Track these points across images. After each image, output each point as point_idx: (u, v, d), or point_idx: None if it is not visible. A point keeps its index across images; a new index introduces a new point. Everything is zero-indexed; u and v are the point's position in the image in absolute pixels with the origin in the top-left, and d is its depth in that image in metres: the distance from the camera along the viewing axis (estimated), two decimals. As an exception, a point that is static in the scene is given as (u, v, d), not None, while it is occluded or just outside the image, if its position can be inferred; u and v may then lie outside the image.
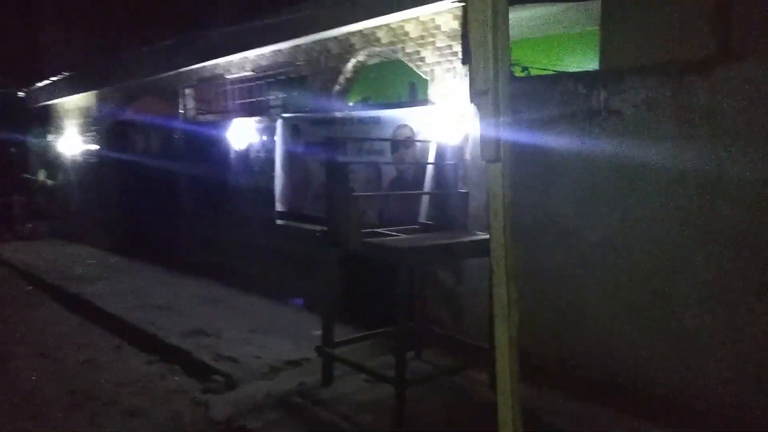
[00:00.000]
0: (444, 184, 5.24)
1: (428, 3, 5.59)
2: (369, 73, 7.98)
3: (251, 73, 8.48)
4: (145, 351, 6.26)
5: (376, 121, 6.36)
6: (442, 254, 4.65)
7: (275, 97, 8.22)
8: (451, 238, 4.68)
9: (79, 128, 13.40)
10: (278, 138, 7.68)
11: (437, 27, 5.78)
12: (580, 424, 4.28)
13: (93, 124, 12.76)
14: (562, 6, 6.51)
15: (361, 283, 6.24)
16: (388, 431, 4.22)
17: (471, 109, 5.50)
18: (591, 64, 6.98)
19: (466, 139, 5.56)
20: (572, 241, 4.88)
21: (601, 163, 4.68)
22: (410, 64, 6.14)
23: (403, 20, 6.09)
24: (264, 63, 8.18)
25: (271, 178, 7.79)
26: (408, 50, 6.11)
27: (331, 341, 4.92)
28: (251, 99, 8.72)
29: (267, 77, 8.28)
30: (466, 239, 4.70)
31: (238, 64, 8.62)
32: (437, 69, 5.82)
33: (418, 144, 5.98)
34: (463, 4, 5.50)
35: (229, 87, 9.12)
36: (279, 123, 7.65)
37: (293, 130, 7.51)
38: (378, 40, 6.44)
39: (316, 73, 7.34)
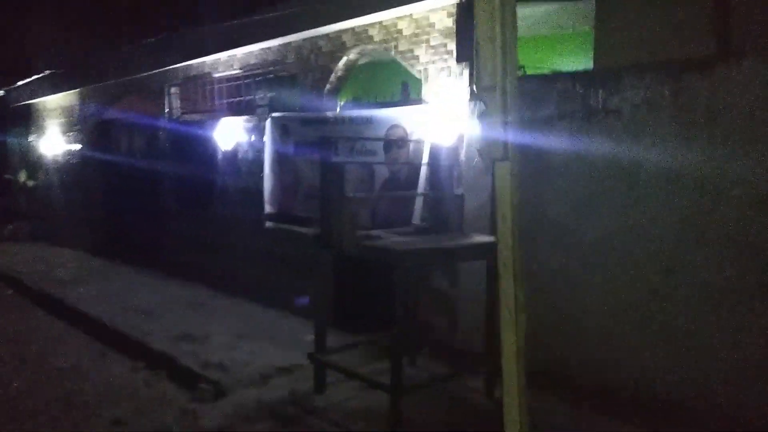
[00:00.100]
0: (439, 185, 5.11)
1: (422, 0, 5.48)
2: (361, 72, 7.85)
3: (239, 71, 8.31)
4: (130, 357, 6.07)
5: (369, 121, 6.22)
6: (439, 257, 4.54)
7: (264, 96, 8.06)
8: (448, 241, 4.56)
9: (62, 128, 13.12)
10: (267, 138, 7.50)
11: (431, 25, 5.66)
12: (577, 429, 4.19)
13: (76, 123, 12.50)
14: (554, 6, 6.44)
15: (354, 286, 6.10)
16: (383, 440, 4.10)
17: (466, 108, 5.39)
18: (582, 64, 6.92)
19: (461, 139, 5.45)
20: (570, 242, 4.78)
21: (600, 163, 4.59)
22: (403, 63, 6.02)
23: (396, 18, 5.96)
24: (252, 61, 8.02)
25: (260, 178, 7.62)
26: (401, 48, 5.98)
27: (323, 347, 4.78)
28: (239, 98, 8.54)
29: (255, 76, 8.12)
30: (463, 242, 4.59)
31: (226, 62, 8.44)
32: (431, 68, 5.70)
33: (411, 144, 5.85)
34: (457, 1, 5.40)
35: (216, 86, 8.93)
36: (268, 122, 7.47)
37: (283, 129, 7.34)
38: (370, 38, 6.31)
39: (307, 72, 7.19)
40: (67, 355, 6.19)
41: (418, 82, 6.02)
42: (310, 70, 7.14)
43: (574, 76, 4.83)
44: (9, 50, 15.20)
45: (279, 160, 7.43)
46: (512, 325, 2.47)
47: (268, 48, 7.70)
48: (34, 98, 13.91)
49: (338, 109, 6.92)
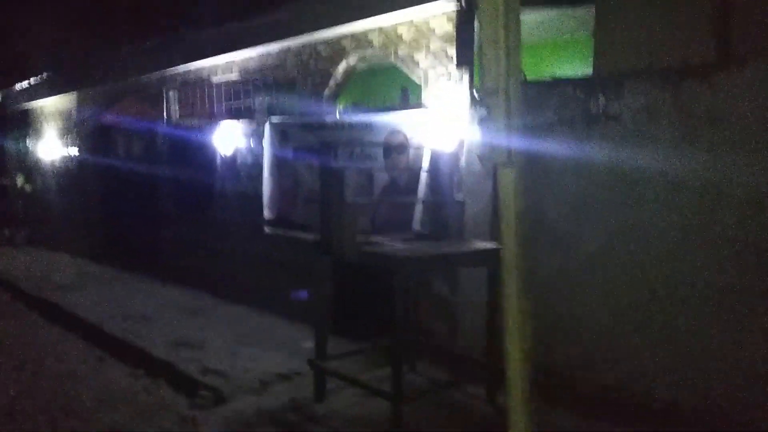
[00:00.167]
0: (439, 191, 5.10)
1: (422, 3, 5.47)
2: (360, 77, 7.84)
3: (238, 75, 8.29)
4: (128, 363, 6.03)
5: (368, 126, 6.21)
6: (440, 264, 4.52)
7: (262, 100, 8.04)
8: (448, 247, 4.55)
9: (59, 132, 13.07)
10: (266, 142, 7.49)
11: (431, 30, 5.65)
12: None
13: (73, 127, 12.46)
14: (553, 12, 6.43)
15: (354, 292, 6.07)
16: (384, 448, 4.07)
17: (466, 113, 5.39)
18: (580, 71, 6.91)
19: (461, 144, 5.43)
20: (570, 246, 4.77)
21: (600, 169, 4.58)
22: (403, 68, 6.01)
23: (396, 23, 5.95)
24: (251, 65, 8.00)
25: (259, 183, 7.60)
26: (401, 54, 5.98)
27: (323, 354, 4.75)
28: (238, 102, 8.52)
29: (254, 80, 8.10)
30: (464, 248, 4.58)
31: (225, 66, 8.43)
32: (431, 73, 5.69)
33: (411, 150, 5.84)
34: (458, 7, 5.39)
35: (215, 89, 8.91)
36: (267, 127, 7.46)
37: (282, 134, 7.33)
38: (370, 43, 6.31)
39: (306, 77, 7.17)
40: (65, 361, 6.15)
41: (417, 88, 6.01)
42: (309, 74, 7.13)
43: (574, 82, 4.82)
44: (6, 52, 15.15)
45: (278, 164, 7.42)
46: (517, 333, 2.45)
47: (268, 52, 7.69)
48: (31, 101, 13.87)
49: (337, 114, 6.90)
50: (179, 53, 8.98)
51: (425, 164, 5.60)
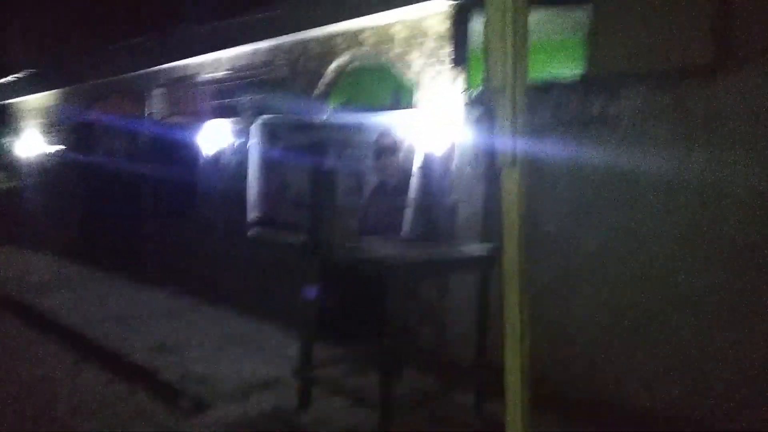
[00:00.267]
0: (431, 193, 4.97)
1: (416, 3, 5.35)
2: (351, 77, 7.70)
3: (226, 73, 8.12)
4: (105, 368, 5.80)
5: (359, 127, 6.05)
6: (433, 268, 4.38)
7: (251, 99, 7.87)
8: (441, 251, 4.41)
9: (40, 129, 12.78)
10: (253, 142, 7.31)
11: (425, 30, 5.53)
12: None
13: (55, 124, 12.18)
14: (546, 13, 6.34)
15: (340, 297, 5.90)
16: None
17: (460, 115, 5.27)
18: (573, 72, 6.84)
19: (454, 147, 5.31)
20: (565, 251, 4.65)
21: (596, 172, 4.48)
22: (396, 68, 5.88)
23: (389, 22, 5.83)
24: (240, 63, 7.83)
25: (244, 183, 7.41)
26: (394, 53, 5.85)
27: (309, 361, 4.57)
28: (225, 101, 8.34)
29: (243, 78, 7.93)
30: (457, 253, 4.45)
31: (212, 64, 8.25)
32: (424, 73, 5.56)
33: (402, 151, 5.70)
34: (452, 5, 5.28)
35: (201, 88, 8.72)
36: (254, 126, 7.27)
37: (270, 134, 7.15)
38: (362, 42, 6.17)
39: (296, 76, 7.02)
40: (39, 366, 5.90)
41: (410, 88, 5.89)
42: (299, 73, 6.98)
43: (570, 83, 4.72)
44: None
45: (265, 165, 7.23)
46: (516, 342, 2.31)
47: (256, 50, 7.53)
48: (12, 98, 13.56)
49: (327, 114, 6.75)
50: (165, 51, 8.79)
51: (417, 166, 5.47)
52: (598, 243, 4.47)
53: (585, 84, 4.59)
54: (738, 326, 3.87)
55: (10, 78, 13.20)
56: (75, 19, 12.69)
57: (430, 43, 5.49)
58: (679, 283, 4.09)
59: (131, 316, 7.18)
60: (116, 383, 5.44)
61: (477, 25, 5.61)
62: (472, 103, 5.22)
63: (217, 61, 8.12)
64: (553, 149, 4.60)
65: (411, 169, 5.54)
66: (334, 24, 6.25)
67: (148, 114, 9.53)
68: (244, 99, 8.02)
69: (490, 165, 5.03)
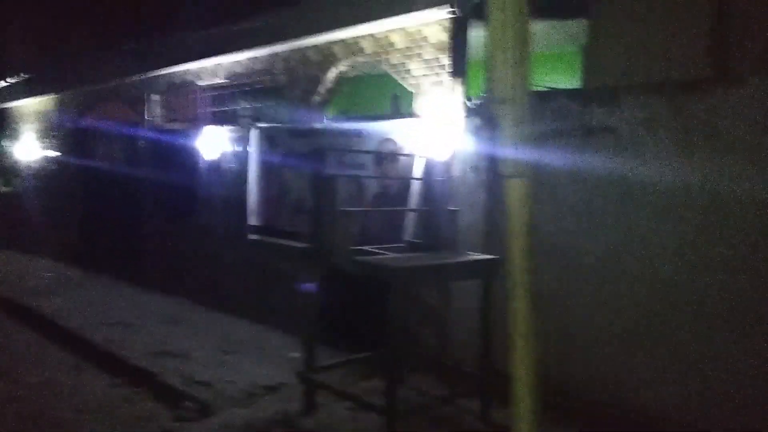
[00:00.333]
0: (432, 200, 5.04)
1: (416, 11, 5.43)
2: (350, 85, 7.78)
3: (224, 80, 8.17)
4: (108, 372, 5.84)
5: (358, 134, 6.14)
6: (435, 275, 4.45)
7: (250, 106, 7.94)
8: (443, 258, 4.48)
9: (38, 133, 12.78)
10: (252, 149, 7.38)
11: (425, 38, 5.61)
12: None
13: (53, 129, 12.18)
14: (542, 24, 6.44)
15: (343, 302, 5.97)
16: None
17: (460, 123, 5.35)
18: (568, 83, 6.94)
19: (454, 154, 5.39)
20: (564, 262, 4.73)
21: (596, 182, 4.56)
22: (395, 76, 5.95)
23: (388, 30, 5.91)
24: (238, 70, 7.89)
25: (244, 189, 7.47)
26: (393, 62, 5.93)
27: (313, 366, 4.63)
28: (224, 107, 8.40)
29: (241, 85, 7.99)
30: (459, 259, 4.52)
31: (211, 70, 8.30)
32: (424, 82, 5.64)
33: (402, 158, 5.78)
34: (452, 16, 5.36)
35: (200, 94, 8.77)
36: (253, 133, 7.35)
37: (269, 140, 7.23)
38: (361, 50, 6.25)
39: (295, 83, 7.09)
40: (41, 370, 5.93)
41: (410, 96, 5.97)
42: (298, 81, 7.04)
43: (570, 93, 4.81)
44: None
45: (264, 171, 7.31)
46: (524, 350, 2.39)
47: (255, 57, 7.59)
48: (9, 102, 13.55)
49: (326, 122, 6.82)
50: (164, 56, 8.84)
51: (417, 173, 5.54)
52: (598, 251, 4.55)
53: (584, 95, 4.68)
54: (736, 331, 3.95)
55: (7, 82, 13.20)
56: (72, 23, 12.71)
57: (430, 52, 5.57)
58: (679, 290, 4.17)
59: (133, 320, 7.22)
60: (119, 387, 5.48)
61: (476, 35, 5.70)
62: (472, 111, 5.30)
63: (216, 67, 8.18)
64: (552, 158, 4.68)
65: (411, 176, 5.62)
66: (333, 32, 6.32)
67: (146, 119, 9.56)
68: (243, 105, 8.08)
69: (490, 173, 5.11)
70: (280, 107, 7.42)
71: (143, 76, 9.41)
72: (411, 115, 5.81)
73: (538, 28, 6.51)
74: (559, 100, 4.72)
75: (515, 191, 2.39)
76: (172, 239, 8.99)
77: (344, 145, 6.16)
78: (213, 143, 8.08)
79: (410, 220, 5.59)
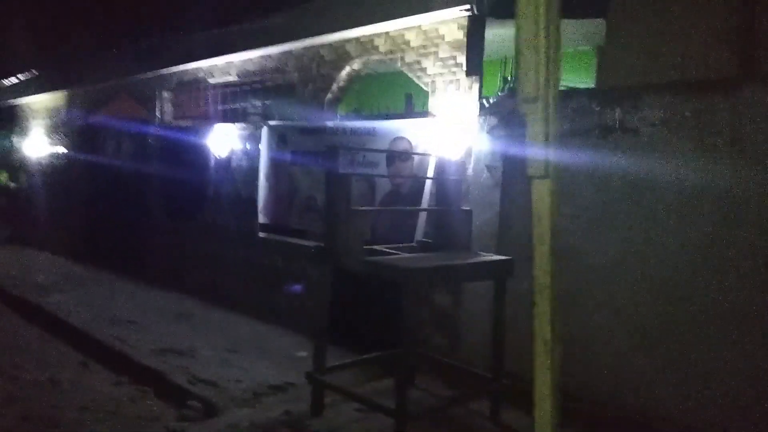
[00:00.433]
0: (446, 200, 4.94)
1: (433, 11, 5.35)
2: (363, 83, 7.70)
3: (236, 78, 8.11)
4: (113, 370, 5.76)
5: (371, 133, 6.05)
6: (449, 276, 4.34)
7: (261, 103, 7.87)
8: (456, 259, 4.38)
9: (47, 129, 12.77)
10: (263, 146, 7.31)
11: (440, 36, 5.53)
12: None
13: (62, 125, 12.16)
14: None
15: (352, 302, 5.88)
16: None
17: (475, 122, 5.25)
18: (582, 83, 6.84)
19: (468, 153, 5.29)
20: (579, 263, 4.62)
21: (614, 183, 4.46)
22: (410, 75, 5.87)
23: (403, 28, 5.82)
24: (250, 68, 7.83)
25: (254, 188, 7.40)
26: (408, 60, 5.84)
27: (322, 367, 4.54)
28: (235, 105, 8.33)
29: (253, 83, 7.92)
30: (473, 260, 4.42)
31: (222, 68, 8.24)
32: (439, 80, 5.55)
33: (415, 157, 5.69)
34: (469, 14, 5.27)
35: (211, 92, 8.72)
36: (264, 131, 7.28)
37: (280, 138, 7.16)
38: (375, 48, 6.16)
39: (307, 81, 7.01)
40: (45, 366, 5.86)
41: (423, 94, 5.88)
42: (310, 79, 6.97)
43: (589, 93, 4.71)
44: (-6, 49, 14.82)
45: (275, 169, 7.23)
46: (547, 356, 2.28)
47: (268, 55, 7.52)
48: (19, 99, 13.55)
49: (338, 120, 6.73)
50: (176, 53, 8.79)
51: (430, 173, 5.45)
52: (616, 252, 4.45)
53: (603, 94, 4.57)
54: (757, 336, 3.84)
55: (16, 78, 13.20)
56: (83, 20, 12.70)
57: (446, 50, 5.48)
58: (697, 293, 4.06)
59: (138, 318, 7.14)
60: (124, 385, 5.40)
61: (491, 34, 5.61)
62: (487, 110, 5.20)
63: (228, 64, 8.12)
64: (568, 158, 4.57)
65: (423, 175, 5.53)
66: (346, 30, 6.24)
67: (156, 116, 9.51)
68: (254, 103, 8.01)
69: (505, 173, 5.01)
70: (291, 105, 7.34)
71: (154, 73, 9.37)
72: (425, 113, 5.72)
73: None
74: (577, 100, 4.62)
75: (541, 193, 2.28)
76: (180, 236, 8.93)
77: (357, 144, 6.07)
78: (223, 141, 8.01)
79: (422, 220, 5.50)
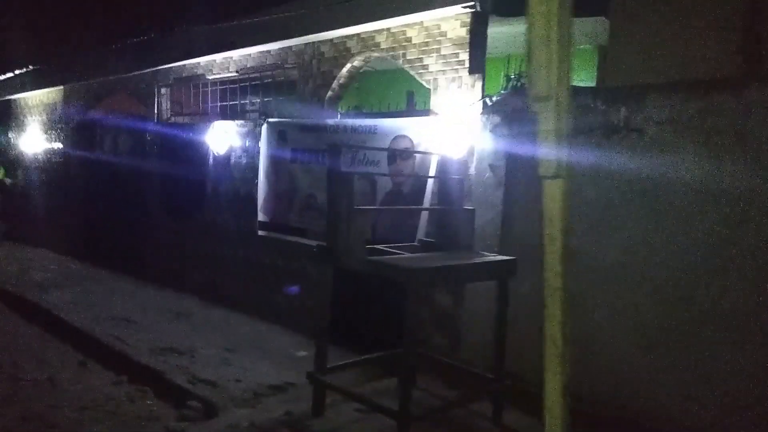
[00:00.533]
0: (448, 199, 4.90)
1: (435, 8, 5.30)
2: (364, 80, 7.64)
3: (235, 74, 8.05)
4: (111, 369, 5.72)
5: (372, 131, 6.00)
6: (452, 276, 4.30)
7: (260, 100, 7.81)
8: (460, 259, 4.34)
9: (44, 125, 12.68)
10: (263, 144, 7.25)
11: (443, 34, 5.48)
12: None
13: (59, 121, 12.08)
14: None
15: (352, 301, 5.84)
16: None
17: (477, 121, 5.21)
18: (583, 82, 6.81)
19: (471, 152, 5.25)
20: (582, 263, 4.58)
21: (618, 182, 4.42)
22: (411, 72, 5.82)
23: (405, 25, 5.77)
24: (249, 64, 7.76)
25: (254, 185, 7.35)
26: (410, 57, 5.79)
27: (323, 367, 4.50)
28: (234, 102, 8.27)
29: (252, 79, 7.86)
30: (477, 260, 4.38)
31: (221, 64, 8.18)
32: (441, 78, 5.51)
33: (416, 156, 5.65)
34: (471, 11, 5.23)
35: (210, 88, 8.65)
36: (264, 128, 7.23)
37: (279, 136, 7.10)
38: (377, 44, 6.11)
39: (307, 78, 6.95)
40: (44, 366, 5.81)
41: (426, 93, 5.83)
42: (310, 76, 6.91)
43: (594, 91, 4.67)
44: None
45: (274, 167, 7.18)
46: (558, 359, 2.25)
47: (267, 51, 7.46)
48: (15, 94, 13.45)
49: (339, 118, 6.69)
50: (174, 49, 8.72)
51: (432, 171, 5.41)
52: (617, 253, 4.42)
53: (608, 93, 4.53)
54: (760, 337, 3.81)
55: (12, 73, 13.09)
56: (81, 14, 12.60)
57: (448, 48, 5.44)
58: (700, 294, 4.04)
59: (137, 317, 7.09)
60: (123, 385, 5.36)
61: (494, 32, 5.56)
62: (490, 108, 5.16)
63: (227, 60, 8.06)
64: (572, 157, 4.53)
65: (425, 174, 5.48)
66: (347, 27, 6.19)
67: (155, 113, 9.44)
68: (253, 99, 7.95)
69: (508, 172, 4.97)
70: (291, 102, 7.29)
71: (153, 69, 9.29)
72: (427, 111, 5.67)
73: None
74: (581, 98, 4.58)
75: (553, 193, 2.24)
76: (179, 234, 8.87)
77: (357, 142, 6.02)
78: (222, 138, 7.95)
79: (423, 220, 5.46)
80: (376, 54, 6.21)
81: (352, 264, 4.10)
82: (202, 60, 8.39)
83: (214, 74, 8.36)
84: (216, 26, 7.93)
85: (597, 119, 4.50)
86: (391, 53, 5.99)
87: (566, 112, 2.26)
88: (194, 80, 8.79)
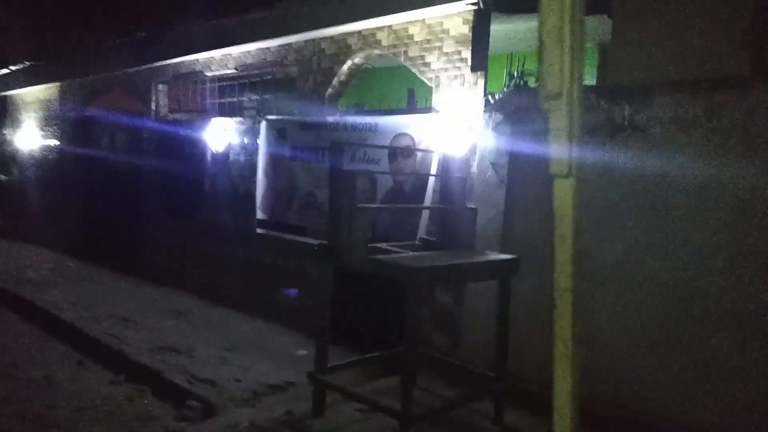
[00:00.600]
0: (450, 198, 4.86)
1: (437, 5, 5.25)
2: (365, 77, 7.59)
3: (234, 71, 7.99)
4: (109, 368, 5.67)
5: (373, 128, 5.96)
6: (455, 275, 4.27)
7: (260, 97, 7.75)
8: (462, 258, 4.30)
9: (40, 122, 12.59)
10: (262, 141, 7.20)
11: (445, 31, 5.44)
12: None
13: (55, 118, 11.99)
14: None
15: (352, 300, 5.80)
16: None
17: (480, 119, 5.17)
18: (589, 80, 6.78)
19: (473, 150, 5.22)
20: (584, 262, 4.55)
21: (622, 181, 4.39)
22: (413, 69, 5.77)
23: (407, 22, 5.73)
24: (249, 61, 7.70)
25: (252, 183, 7.30)
26: (411, 54, 5.74)
27: (324, 366, 4.46)
28: (233, 99, 8.21)
29: (251, 76, 7.81)
30: (479, 259, 4.34)
31: (220, 60, 8.12)
32: (443, 75, 5.47)
33: (417, 154, 5.61)
34: (474, 8, 5.18)
35: (208, 85, 8.59)
36: (263, 125, 7.18)
37: (279, 133, 7.05)
38: (378, 42, 6.07)
39: (307, 75, 6.90)
40: (41, 365, 5.76)
41: (427, 90, 5.79)
42: (311, 72, 6.86)
43: (597, 89, 4.64)
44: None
45: (274, 164, 7.13)
46: (568, 360, 2.21)
47: (267, 48, 7.40)
48: (10, 90, 13.35)
49: (339, 115, 6.64)
50: (172, 45, 8.65)
51: (434, 170, 5.37)
52: (618, 252, 4.39)
53: (612, 91, 4.50)
54: (761, 337, 3.79)
55: (9, 69, 12.99)
56: (78, 10, 12.51)
57: (450, 45, 5.40)
58: (701, 294, 4.01)
59: (135, 315, 7.04)
60: (121, 384, 5.31)
61: (497, 29, 5.51)
62: (492, 106, 5.12)
63: (226, 56, 7.99)
64: (579, 155, 4.49)
65: (426, 172, 5.44)
66: (348, 23, 6.14)
67: (152, 110, 9.37)
68: (252, 96, 7.90)
69: (511, 171, 4.94)
70: (291, 99, 7.24)
71: (150, 66, 9.22)
72: (428, 109, 5.63)
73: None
74: (587, 96, 4.54)
75: (564, 192, 2.19)
76: (176, 232, 8.82)
77: (358, 140, 5.97)
78: (220, 135, 7.90)
79: (424, 218, 5.43)
80: (377, 51, 6.17)
81: (353, 263, 4.06)
82: (201, 56, 8.33)
83: (213, 71, 8.30)
84: (215, 22, 7.87)
85: (601, 118, 4.47)
86: (392, 50, 5.95)
87: (579, 110, 2.22)
88: (192, 77, 8.73)
